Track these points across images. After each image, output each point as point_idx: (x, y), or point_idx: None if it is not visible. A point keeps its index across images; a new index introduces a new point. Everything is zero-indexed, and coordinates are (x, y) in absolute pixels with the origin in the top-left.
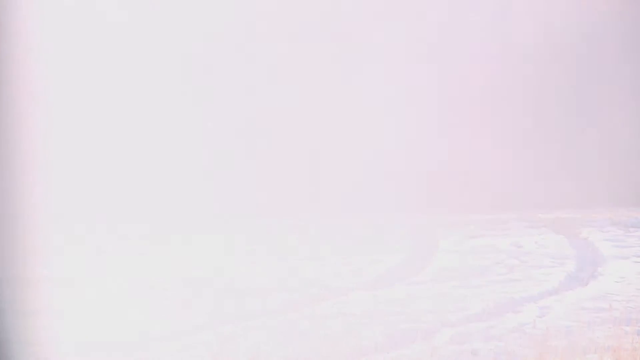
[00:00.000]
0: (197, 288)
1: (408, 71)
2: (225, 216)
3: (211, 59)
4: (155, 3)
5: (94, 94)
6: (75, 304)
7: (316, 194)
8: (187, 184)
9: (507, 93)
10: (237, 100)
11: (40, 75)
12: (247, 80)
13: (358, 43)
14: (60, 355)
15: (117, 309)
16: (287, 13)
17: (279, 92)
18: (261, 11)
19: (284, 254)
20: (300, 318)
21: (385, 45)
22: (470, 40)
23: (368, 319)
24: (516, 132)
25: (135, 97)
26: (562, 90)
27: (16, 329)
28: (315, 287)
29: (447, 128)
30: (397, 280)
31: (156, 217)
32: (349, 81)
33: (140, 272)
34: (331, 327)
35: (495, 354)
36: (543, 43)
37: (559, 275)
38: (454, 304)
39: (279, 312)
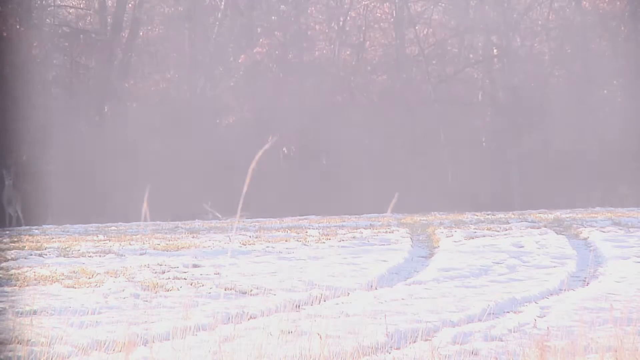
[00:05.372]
0: (198, 288)
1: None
2: (227, 216)
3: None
4: None
5: None
6: (74, 304)
7: (317, 196)
8: (189, 185)
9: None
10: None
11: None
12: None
13: None
14: (60, 354)
15: (118, 308)
16: None
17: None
18: None
19: (284, 254)
20: (301, 318)
21: None
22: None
23: (369, 319)
24: None
25: None
26: None
27: (16, 329)
28: (316, 287)
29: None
30: (397, 280)
31: (156, 218)
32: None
33: (141, 271)
34: (332, 327)
35: (496, 354)
36: None
37: (559, 275)
38: (455, 304)
39: (279, 312)
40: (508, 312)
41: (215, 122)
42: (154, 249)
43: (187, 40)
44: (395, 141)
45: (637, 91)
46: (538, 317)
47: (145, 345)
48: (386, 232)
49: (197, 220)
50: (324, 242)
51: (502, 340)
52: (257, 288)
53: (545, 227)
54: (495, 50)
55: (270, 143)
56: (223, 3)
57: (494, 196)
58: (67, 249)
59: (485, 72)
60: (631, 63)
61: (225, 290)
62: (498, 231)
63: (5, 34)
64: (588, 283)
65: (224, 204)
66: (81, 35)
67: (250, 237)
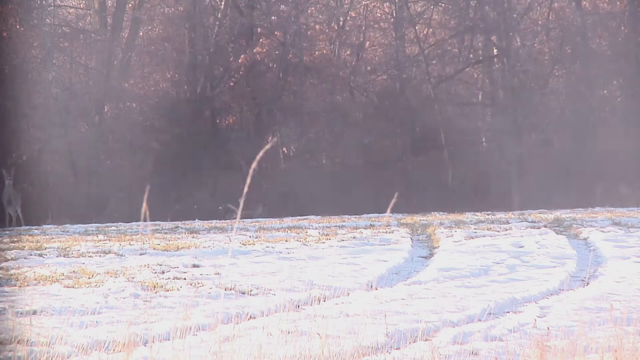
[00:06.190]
0: (198, 288)
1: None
2: (227, 216)
3: None
4: None
5: None
6: (74, 304)
7: (317, 196)
8: (189, 186)
9: None
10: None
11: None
12: None
13: None
14: (60, 354)
15: (118, 308)
16: None
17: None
18: None
19: (284, 254)
20: (301, 318)
21: None
22: None
23: (369, 319)
24: None
25: None
26: None
27: (16, 329)
28: (316, 287)
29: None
30: (397, 280)
31: (156, 218)
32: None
33: (141, 271)
34: (332, 327)
35: (496, 354)
36: None
37: (559, 275)
38: (455, 304)
39: (279, 312)
40: (508, 312)
41: (215, 122)
42: (154, 249)
43: (187, 40)
44: (395, 141)
45: (637, 91)
46: (538, 317)
47: (145, 345)
48: (386, 232)
49: (196, 220)
50: (324, 242)
51: (502, 340)
52: (257, 288)
53: (545, 227)
54: (495, 50)
55: (271, 143)
56: (223, 3)
57: (494, 196)
58: (67, 249)
59: (485, 72)
60: (631, 63)
61: (225, 290)
62: (498, 231)
63: (5, 34)
64: (588, 283)
65: (223, 204)
66: (81, 35)
67: (250, 237)
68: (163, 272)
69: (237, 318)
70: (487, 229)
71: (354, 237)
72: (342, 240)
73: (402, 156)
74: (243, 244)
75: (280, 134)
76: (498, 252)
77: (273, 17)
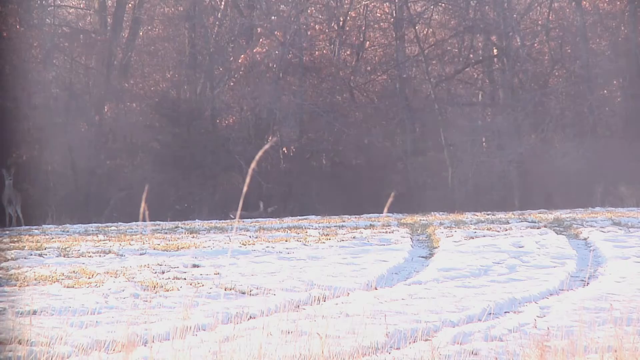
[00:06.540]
0: (198, 288)
1: None
2: (226, 216)
3: None
4: None
5: None
6: (74, 304)
7: (317, 196)
8: (188, 185)
9: None
10: None
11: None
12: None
13: None
14: (60, 354)
15: (118, 308)
16: None
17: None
18: None
19: (284, 254)
20: (301, 318)
21: None
22: None
23: (369, 319)
24: None
25: None
26: None
27: (16, 329)
28: (316, 287)
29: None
30: (397, 280)
31: (156, 218)
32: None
33: (141, 271)
34: (332, 327)
35: (496, 354)
36: None
37: (559, 275)
38: (455, 304)
39: (279, 312)
40: (508, 312)
41: (215, 122)
42: (154, 249)
43: (187, 40)
44: (395, 141)
45: (637, 91)
46: (538, 317)
47: (145, 345)
48: (386, 232)
49: (196, 220)
50: (324, 242)
51: (502, 340)
52: (257, 288)
53: (545, 227)
54: (495, 50)
55: (270, 143)
56: (223, 3)
57: (494, 196)
58: (67, 249)
59: (485, 72)
60: (631, 63)
61: (225, 290)
62: (498, 231)
63: (5, 34)
64: (588, 283)
65: (223, 204)
66: (81, 35)
67: (250, 237)
68: (163, 272)
69: (237, 318)
70: (487, 229)
71: (353, 237)
72: (342, 240)
73: (402, 156)
74: (243, 244)
75: (280, 134)
76: (498, 252)
77: (273, 17)
